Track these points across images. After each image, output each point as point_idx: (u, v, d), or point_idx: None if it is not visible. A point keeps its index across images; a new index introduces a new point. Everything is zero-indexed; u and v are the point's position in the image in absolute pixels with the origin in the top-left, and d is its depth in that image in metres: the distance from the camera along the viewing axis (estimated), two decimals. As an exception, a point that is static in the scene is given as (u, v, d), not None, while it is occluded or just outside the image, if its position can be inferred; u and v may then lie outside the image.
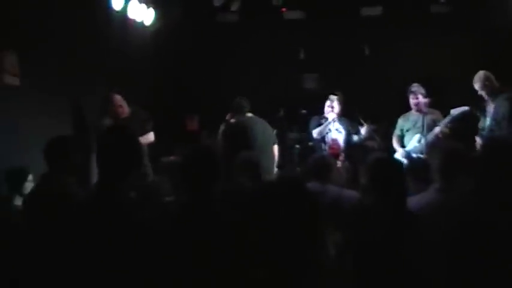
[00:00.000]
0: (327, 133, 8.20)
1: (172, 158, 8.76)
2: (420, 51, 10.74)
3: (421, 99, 7.75)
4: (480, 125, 7.58)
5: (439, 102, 7.96)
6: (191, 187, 3.29)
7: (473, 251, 2.98)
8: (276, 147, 7.91)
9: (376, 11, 10.57)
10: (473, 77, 7.64)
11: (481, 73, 7.53)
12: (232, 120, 8.03)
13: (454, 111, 7.61)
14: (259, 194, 2.81)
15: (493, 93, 7.39)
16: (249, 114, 7.89)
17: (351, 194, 5.16)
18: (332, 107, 8.21)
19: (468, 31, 10.37)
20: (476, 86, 7.48)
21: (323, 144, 8.23)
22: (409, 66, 10.63)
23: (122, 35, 8.55)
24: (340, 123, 8.25)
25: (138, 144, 3.19)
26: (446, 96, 8.95)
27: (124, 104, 7.44)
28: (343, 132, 8.24)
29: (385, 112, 9.83)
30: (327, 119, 8.26)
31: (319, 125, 8.25)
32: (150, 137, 7.58)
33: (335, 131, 8.24)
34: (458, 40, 10.59)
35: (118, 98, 7.40)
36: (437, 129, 7.59)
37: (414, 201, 3.82)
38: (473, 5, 9.80)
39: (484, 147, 3.54)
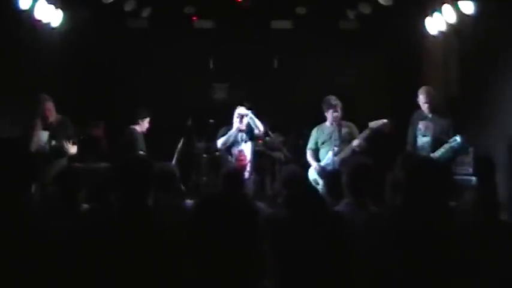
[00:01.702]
0: (234, 144, 8.19)
1: (78, 165, 8.51)
2: (328, 65, 10.95)
3: (338, 113, 7.83)
4: (409, 140, 7.68)
5: (345, 117, 8.10)
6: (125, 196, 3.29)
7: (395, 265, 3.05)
8: None
9: (286, 24, 10.71)
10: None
11: (427, 87, 7.62)
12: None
13: (373, 124, 7.72)
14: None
15: (434, 110, 7.51)
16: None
17: (260, 206, 5.20)
18: (241, 118, 8.21)
19: (374, 48, 10.67)
20: (421, 98, 7.50)
21: (229, 156, 8.21)
22: (316, 80, 10.81)
23: (28, 36, 8.27)
24: (247, 134, 8.24)
25: (32, 157, 3.10)
26: (351, 111, 9.15)
27: (52, 108, 7.52)
28: (250, 143, 8.25)
29: (293, 124, 10.01)
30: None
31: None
32: (74, 149, 7.59)
33: (242, 142, 8.21)
34: (364, 56, 10.87)
35: (48, 101, 7.49)
36: (354, 143, 7.69)
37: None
38: (380, 23, 10.09)
39: (409, 165, 3.64)
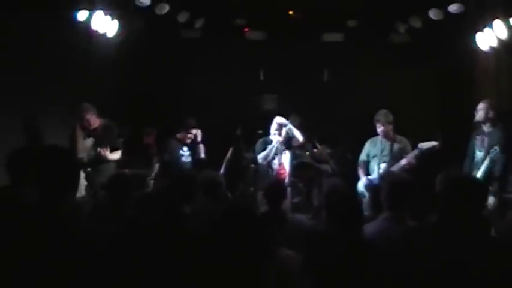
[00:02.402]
0: (275, 156, 8.18)
1: (126, 171, 8.72)
2: (378, 79, 10.95)
3: (387, 127, 7.81)
4: (469, 154, 7.58)
5: (397, 131, 8.10)
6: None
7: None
8: None
9: (337, 37, 10.74)
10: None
11: (486, 100, 7.54)
12: None
13: (423, 145, 7.67)
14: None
15: (492, 124, 7.43)
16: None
17: (301, 218, 5.31)
18: (280, 128, 8.19)
19: (427, 61, 10.62)
20: (480, 113, 7.45)
21: (269, 170, 8.21)
22: (367, 93, 10.82)
23: (85, 46, 8.53)
24: (284, 144, 8.17)
25: (76, 164, 3.18)
26: (402, 125, 9.14)
27: (92, 115, 7.66)
28: (288, 152, 8.17)
29: (341, 137, 10.02)
30: (271, 141, 8.29)
31: (265, 148, 8.27)
32: (118, 154, 7.80)
33: (282, 154, 8.19)
34: (415, 70, 10.83)
35: (88, 111, 7.64)
36: (403, 161, 7.67)
37: (367, 229, 3.95)
38: (431, 37, 10.04)
39: (446, 182, 3.68)
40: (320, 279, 3.29)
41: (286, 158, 8.20)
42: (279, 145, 8.17)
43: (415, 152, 7.66)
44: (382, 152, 7.84)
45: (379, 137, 7.93)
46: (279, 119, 8.30)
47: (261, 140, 8.44)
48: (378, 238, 3.84)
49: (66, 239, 2.85)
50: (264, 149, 8.24)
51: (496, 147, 7.01)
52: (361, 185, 7.91)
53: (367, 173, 7.96)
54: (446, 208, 3.31)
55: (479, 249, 3.12)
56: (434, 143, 7.66)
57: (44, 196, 2.95)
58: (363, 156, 8.09)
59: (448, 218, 3.27)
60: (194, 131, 8.96)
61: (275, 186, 5.56)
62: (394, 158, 7.72)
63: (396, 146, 7.78)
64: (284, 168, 8.16)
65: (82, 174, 7.20)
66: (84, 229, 3.06)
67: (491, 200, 6.78)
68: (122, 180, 5.00)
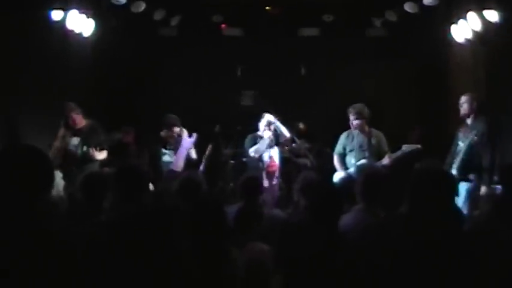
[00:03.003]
0: (266, 150, 8.26)
1: (106, 169, 8.69)
2: (355, 73, 11.00)
3: (362, 121, 7.82)
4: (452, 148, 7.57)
5: (373, 124, 8.13)
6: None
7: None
8: None
9: (313, 32, 10.77)
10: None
11: (468, 94, 7.52)
12: None
13: (406, 148, 7.72)
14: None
15: (475, 115, 7.39)
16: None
17: (277, 213, 5.35)
18: (269, 125, 8.31)
19: (403, 55, 10.68)
20: (465, 106, 7.42)
21: (260, 163, 8.30)
22: (343, 87, 10.86)
23: (61, 46, 8.49)
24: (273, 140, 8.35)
25: (49, 164, 3.14)
26: (379, 118, 9.18)
27: (78, 115, 7.69)
28: (276, 148, 8.40)
29: (320, 131, 10.06)
30: (261, 137, 8.37)
31: (255, 143, 8.34)
32: (104, 154, 7.81)
33: (272, 149, 8.35)
34: (391, 63, 10.90)
35: (73, 110, 7.66)
36: (385, 161, 7.67)
37: (341, 221, 3.98)
38: (406, 30, 10.11)
39: (417, 173, 3.74)
40: (293, 270, 3.32)
41: (275, 152, 8.39)
42: (270, 141, 8.26)
43: (398, 153, 7.70)
44: (360, 147, 7.85)
45: (355, 131, 7.92)
46: (268, 117, 8.36)
47: (250, 136, 8.49)
48: (351, 230, 3.88)
49: (39, 239, 2.83)
50: (255, 144, 8.28)
51: (476, 134, 7.04)
52: (337, 177, 7.91)
53: (345, 166, 7.97)
54: (416, 199, 3.34)
55: (448, 239, 3.16)
56: (418, 146, 7.72)
57: (15, 197, 2.93)
58: (339, 149, 8.07)
59: (418, 209, 3.30)
60: (177, 128, 8.61)
61: (249, 181, 5.54)
62: (372, 152, 7.74)
63: (374, 141, 7.80)
64: (274, 162, 8.32)
65: (59, 174, 7.18)
66: (59, 229, 3.03)
67: (483, 190, 6.93)
68: (97, 179, 4.94)
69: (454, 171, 7.06)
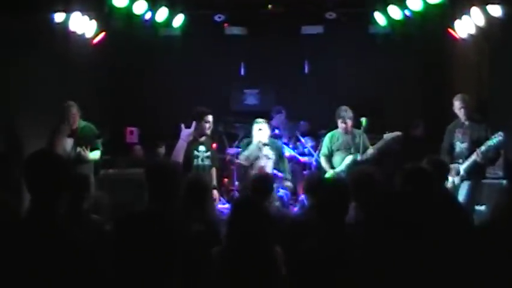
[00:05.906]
0: (256, 158, 8.09)
1: (111, 171, 8.71)
2: (359, 70, 10.99)
3: (350, 123, 7.94)
4: (444, 147, 7.65)
5: (377, 122, 8.16)
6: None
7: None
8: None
9: (316, 29, 10.74)
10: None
11: (462, 95, 7.59)
12: None
13: (387, 136, 7.85)
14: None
15: (470, 117, 7.48)
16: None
17: (285, 212, 5.36)
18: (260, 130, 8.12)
19: (407, 51, 10.66)
20: (457, 105, 7.51)
21: (251, 172, 8.01)
22: (347, 84, 10.86)
23: (63, 47, 8.49)
24: (271, 148, 8.17)
25: (65, 167, 3.15)
26: (383, 115, 9.18)
27: (76, 115, 7.60)
28: (273, 158, 8.16)
29: (324, 129, 10.03)
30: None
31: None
32: (97, 154, 7.70)
33: (264, 157, 8.10)
34: (397, 59, 10.87)
35: (73, 108, 7.56)
36: (369, 151, 7.79)
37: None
38: (410, 27, 10.07)
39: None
40: (302, 270, 3.33)
41: (268, 162, 8.12)
42: (262, 147, 8.10)
43: (381, 142, 7.81)
44: (346, 145, 7.97)
45: (339, 130, 8.06)
46: (259, 123, 8.19)
47: (245, 140, 8.47)
48: (349, 226, 3.96)
49: (62, 247, 2.85)
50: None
51: (500, 133, 7.05)
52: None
53: (332, 166, 8.01)
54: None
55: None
56: (398, 133, 7.83)
57: (35, 203, 2.95)
58: (324, 151, 8.19)
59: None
60: (210, 117, 7.52)
61: (260, 180, 5.53)
62: (357, 149, 7.83)
63: (358, 139, 7.88)
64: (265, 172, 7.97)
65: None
66: (77, 236, 3.02)
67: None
68: (81, 180, 4.87)
69: (462, 172, 7.27)
